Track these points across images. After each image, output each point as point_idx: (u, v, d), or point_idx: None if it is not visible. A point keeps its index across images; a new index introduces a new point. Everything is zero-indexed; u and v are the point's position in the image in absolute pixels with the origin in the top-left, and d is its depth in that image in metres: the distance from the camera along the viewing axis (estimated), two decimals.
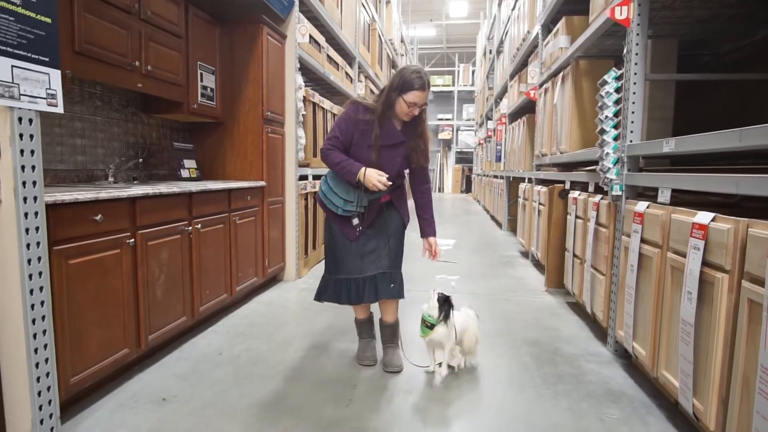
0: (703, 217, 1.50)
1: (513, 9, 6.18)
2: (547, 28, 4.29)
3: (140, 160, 2.71)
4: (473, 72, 16.10)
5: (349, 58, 5.58)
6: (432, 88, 17.50)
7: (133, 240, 1.97)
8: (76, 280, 1.69)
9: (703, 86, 3.23)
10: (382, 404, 1.87)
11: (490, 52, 9.56)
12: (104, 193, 1.78)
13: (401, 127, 2.09)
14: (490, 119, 9.54)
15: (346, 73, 5.37)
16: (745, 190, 1.34)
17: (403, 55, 10.92)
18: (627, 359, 2.28)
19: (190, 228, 2.42)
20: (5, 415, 1.45)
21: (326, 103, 4.55)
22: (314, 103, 4.21)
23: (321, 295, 2.17)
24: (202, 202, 2.53)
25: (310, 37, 3.91)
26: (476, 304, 2.90)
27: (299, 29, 3.67)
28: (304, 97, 3.83)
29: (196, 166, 3.25)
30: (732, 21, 2.73)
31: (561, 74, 3.58)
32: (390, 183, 2.00)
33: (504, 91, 7.44)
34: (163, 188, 2.18)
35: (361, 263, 2.09)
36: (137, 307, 2.04)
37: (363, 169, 1.99)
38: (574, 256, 3.03)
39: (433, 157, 17.49)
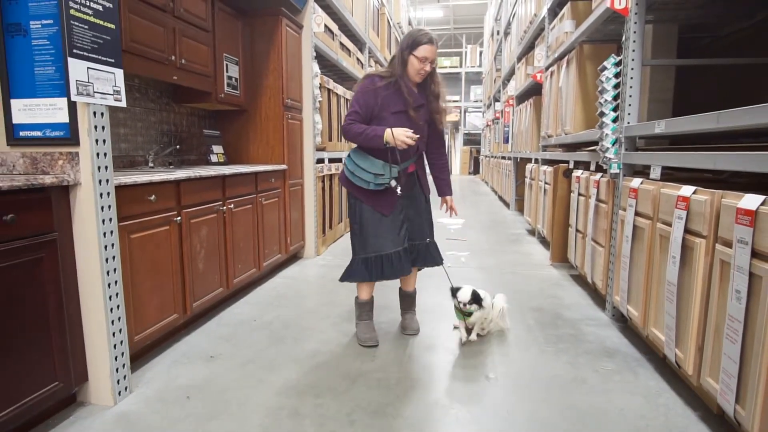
0: (686, 190, 1.70)
1: None
2: (554, 11, 4.41)
3: (177, 146, 2.94)
4: (481, 53, 16.05)
5: (359, 43, 5.74)
6: (439, 70, 17.58)
7: (179, 218, 2.22)
8: (136, 252, 1.94)
9: (705, 68, 3.37)
10: (403, 359, 2.12)
11: (498, 33, 9.59)
12: (157, 176, 2.02)
13: (418, 89, 2.16)
14: (498, 101, 9.64)
15: (357, 58, 5.53)
16: (720, 166, 1.54)
17: None
18: (623, 322, 2.51)
19: (224, 208, 2.66)
20: (87, 364, 1.72)
21: (339, 89, 4.74)
22: (329, 90, 4.40)
23: (349, 275, 2.24)
24: (234, 184, 2.77)
25: (325, 26, 4.08)
26: (485, 277, 3.14)
27: (315, 19, 3.84)
28: (320, 84, 4.03)
29: (223, 151, 3.48)
30: (730, 5, 2.86)
31: (566, 58, 3.72)
32: (417, 136, 2.05)
33: (512, 72, 7.53)
34: (203, 172, 2.41)
35: (398, 236, 2.17)
36: (183, 278, 2.30)
37: (389, 129, 2.02)
38: (577, 231, 3.23)
39: None
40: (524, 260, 4.00)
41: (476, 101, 16.82)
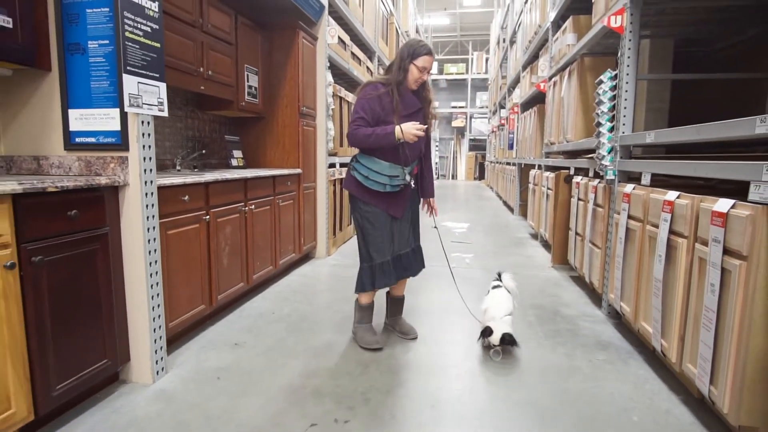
0: (671, 195, 1.88)
1: (526, 2, 6.46)
2: (557, 24, 4.60)
3: (203, 151, 3.16)
4: (487, 60, 16.26)
5: (369, 52, 5.95)
6: (446, 76, 17.57)
7: (207, 217, 2.42)
8: (171, 247, 2.14)
9: (701, 80, 3.54)
10: (410, 349, 2.30)
11: (504, 41, 9.79)
12: (189, 179, 2.23)
13: (413, 95, 2.25)
14: (503, 107, 9.82)
15: (367, 67, 5.74)
16: (699, 173, 1.71)
17: None
18: (617, 319, 2.68)
19: (246, 208, 2.86)
20: (129, 346, 1.92)
21: (350, 97, 4.95)
22: (340, 98, 4.61)
23: (366, 284, 2.26)
24: (254, 186, 2.98)
25: (338, 37, 4.30)
26: (488, 278, 3.30)
27: (329, 31, 4.06)
28: (332, 92, 4.24)
29: (242, 155, 3.69)
30: (722, 23, 3.04)
31: (568, 69, 3.91)
32: (425, 126, 2.15)
33: (517, 81, 7.72)
34: (228, 175, 2.62)
35: (408, 238, 2.33)
36: (210, 272, 2.50)
37: (398, 126, 2.10)
38: (577, 234, 3.41)
39: (446, 144, 17.79)
40: (527, 262, 4.17)
41: (482, 107, 16.99)
